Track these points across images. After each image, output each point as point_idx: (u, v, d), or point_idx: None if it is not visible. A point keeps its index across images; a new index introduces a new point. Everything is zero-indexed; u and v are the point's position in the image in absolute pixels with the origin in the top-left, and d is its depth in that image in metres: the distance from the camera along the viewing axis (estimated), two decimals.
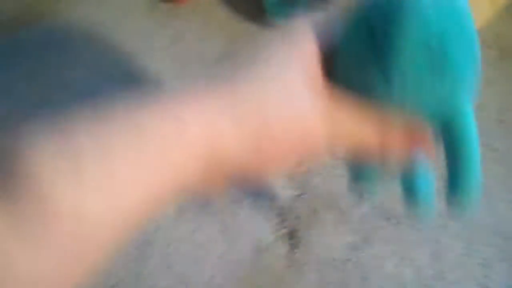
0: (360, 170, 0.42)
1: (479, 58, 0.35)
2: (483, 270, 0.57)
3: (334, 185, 0.63)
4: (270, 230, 0.60)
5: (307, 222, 0.60)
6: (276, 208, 0.62)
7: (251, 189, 0.58)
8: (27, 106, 0.68)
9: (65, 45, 0.76)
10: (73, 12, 0.81)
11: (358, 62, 0.36)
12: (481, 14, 0.74)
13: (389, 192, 0.40)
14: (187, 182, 0.31)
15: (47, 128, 0.30)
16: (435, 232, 0.60)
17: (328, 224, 0.61)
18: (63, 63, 0.73)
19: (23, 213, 0.27)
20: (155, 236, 0.59)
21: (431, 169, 0.37)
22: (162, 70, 0.74)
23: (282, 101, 0.33)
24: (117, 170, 0.29)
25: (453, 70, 0.34)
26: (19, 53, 0.74)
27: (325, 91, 0.36)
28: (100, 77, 0.72)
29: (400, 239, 0.59)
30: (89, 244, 0.29)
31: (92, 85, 0.71)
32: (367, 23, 0.36)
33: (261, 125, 0.32)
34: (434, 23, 0.34)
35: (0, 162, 0.28)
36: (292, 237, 0.59)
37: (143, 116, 0.30)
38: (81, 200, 0.28)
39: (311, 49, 0.36)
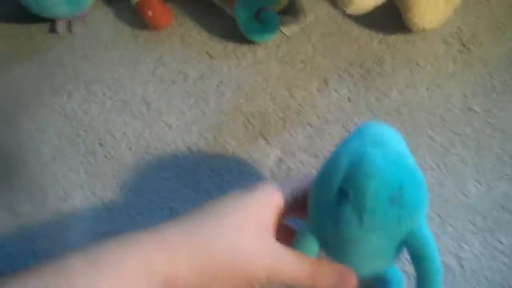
0: None
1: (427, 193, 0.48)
2: (456, 243, 0.62)
3: None
4: None
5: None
6: None
7: None
8: None
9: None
10: (59, 48, 0.86)
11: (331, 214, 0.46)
12: (439, 14, 0.80)
13: None
14: None
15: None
16: None
17: None
18: None
19: None
20: None
21: None
22: (149, 92, 0.79)
23: (231, 247, 0.42)
24: None
25: (412, 211, 0.46)
26: None
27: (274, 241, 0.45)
28: None
29: None
30: None
31: None
32: (335, 184, 0.46)
33: (209, 265, 0.41)
34: (393, 179, 0.45)
35: None
36: None
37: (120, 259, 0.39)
38: None
39: (271, 203, 0.47)
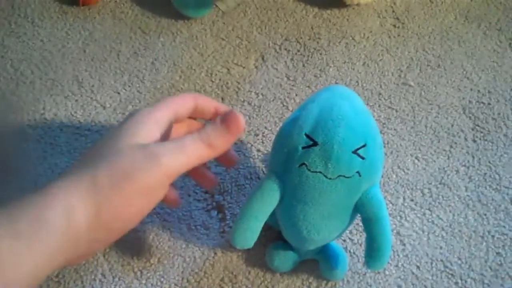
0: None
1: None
2: (395, 220, 0.62)
3: (255, 159, 0.67)
4: (201, 206, 0.63)
5: (233, 195, 0.64)
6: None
7: None
8: None
9: None
10: None
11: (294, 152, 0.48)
12: None
13: None
14: (59, 265, 0.41)
15: None
16: None
17: None
18: None
19: None
20: None
21: None
22: (80, 71, 0.76)
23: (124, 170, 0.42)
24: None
25: (372, 168, 0.49)
26: None
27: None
28: None
29: None
30: None
31: None
32: (304, 130, 0.48)
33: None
34: (359, 133, 0.48)
35: None
36: (220, 211, 0.63)
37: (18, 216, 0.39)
38: None
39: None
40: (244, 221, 0.51)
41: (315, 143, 0.47)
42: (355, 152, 0.47)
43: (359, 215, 0.51)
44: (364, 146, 0.47)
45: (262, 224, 0.51)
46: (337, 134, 0.46)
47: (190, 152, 0.44)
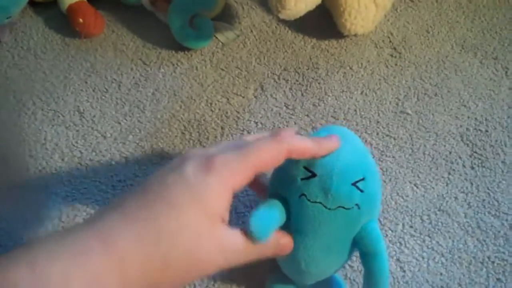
0: None
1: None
2: (395, 246, 0.62)
3: None
4: None
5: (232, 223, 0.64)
6: None
7: None
8: None
9: None
10: None
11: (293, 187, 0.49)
12: (370, 19, 0.81)
13: None
14: None
15: None
16: None
17: None
18: None
19: None
20: None
21: None
22: (81, 102, 0.77)
23: (188, 254, 0.40)
24: None
25: (372, 202, 0.49)
26: None
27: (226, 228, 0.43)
28: None
29: None
30: None
31: None
32: (304, 167, 0.48)
33: (163, 272, 0.40)
34: (358, 167, 0.48)
35: None
36: None
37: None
38: None
39: (228, 189, 0.43)
40: (261, 212, 0.47)
41: (314, 175, 0.47)
42: (354, 184, 0.47)
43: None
44: (362, 179, 0.48)
45: (279, 220, 0.48)
46: (336, 167, 0.47)
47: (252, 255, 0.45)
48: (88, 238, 0.38)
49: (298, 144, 0.45)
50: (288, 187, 0.49)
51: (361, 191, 0.47)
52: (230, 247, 0.43)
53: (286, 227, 0.50)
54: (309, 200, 0.47)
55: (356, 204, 0.47)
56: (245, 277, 0.60)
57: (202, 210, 0.41)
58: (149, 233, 0.39)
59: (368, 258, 0.49)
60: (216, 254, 0.42)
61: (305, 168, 0.48)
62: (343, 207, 0.47)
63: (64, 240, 0.38)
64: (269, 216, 0.47)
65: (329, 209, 0.47)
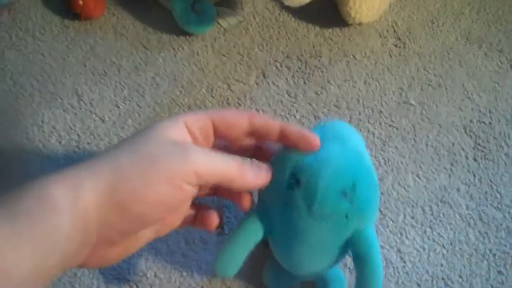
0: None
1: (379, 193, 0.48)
2: (395, 237, 0.62)
3: None
4: None
5: (232, 210, 0.63)
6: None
7: None
8: None
9: None
10: None
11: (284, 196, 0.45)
12: (375, 8, 0.80)
13: None
14: (68, 256, 0.35)
15: None
16: None
17: None
18: None
19: None
20: None
21: None
22: (80, 84, 0.76)
23: (148, 149, 0.39)
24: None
25: (362, 210, 0.46)
26: None
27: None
28: None
29: None
30: None
31: None
32: (288, 169, 0.45)
33: (124, 169, 0.37)
34: (347, 174, 0.45)
35: None
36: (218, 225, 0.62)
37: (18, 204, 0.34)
38: None
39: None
40: (225, 252, 0.47)
41: (299, 183, 0.44)
42: (342, 194, 0.44)
43: None
44: (353, 186, 0.44)
45: (244, 256, 0.48)
46: (322, 174, 0.44)
47: (220, 163, 0.41)
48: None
49: (261, 116, 0.44)
50: (273, 194, 0.46)
51: (351, 201, 0.44)
52: (198, 148, 0.41)
53: (272, 235, 0.48)
54: (293, 209, 0.45)
55: (345, 215, 0.45)
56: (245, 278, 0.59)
57: (163, 134, 0.40)
58: (106, 153, 0.39)
59: (360, 262, 0.47)
60: (181, 151, 0.39)
61: (292, 174, 0.45)
62: (330, 217, 0.44)
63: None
64: (237, 251, 0.47)
65: (315, 219, 0.44)
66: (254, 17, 0.84)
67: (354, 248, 0.47)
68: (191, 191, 0.40)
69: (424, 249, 0.60)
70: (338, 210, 0.44)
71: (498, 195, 0.65)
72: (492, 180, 0.66)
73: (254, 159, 0.45)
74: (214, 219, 0.47)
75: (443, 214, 0.63)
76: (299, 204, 0.44)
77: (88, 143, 0.70)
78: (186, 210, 0.45)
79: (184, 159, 0.39)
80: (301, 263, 0.48)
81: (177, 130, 0.41)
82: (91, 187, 0.36)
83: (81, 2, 0.81)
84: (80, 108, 0.73)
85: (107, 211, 0.36)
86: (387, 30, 0.82)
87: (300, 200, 0.44)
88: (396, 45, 0.80)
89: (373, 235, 0.47)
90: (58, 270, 0.35)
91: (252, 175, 0.43)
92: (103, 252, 0.39)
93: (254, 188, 0.43)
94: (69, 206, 0.34)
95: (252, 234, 0.47)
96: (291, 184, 0.44)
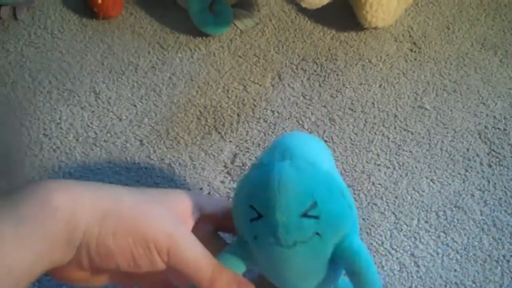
0: None
1: (353, 205, 0.46)
2: (409, 241, 0.62)
3: None
4: None
5: None
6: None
7: None
8: None
9: None
10: (2, 34, 0.83)
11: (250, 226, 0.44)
12: (391, 13, 0.80)
13: None
14: (54, 261, 0.38)
15: None
16: (366, 210, 0.64)
17: None
18: None
19: None
20: None
21: None
22: (97, 83, 0.77)
23: (138, 204, 0.42)
24: None
25: (333, 224, 0.43)
26: None
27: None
28: None
29: None
30: None
31: None
32: (247, 202, 0.44)
33: (112, 211, 0.40)
34: (304, 192, 0.42)
35: None
36: None
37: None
38: None
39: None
40: None
41: (260, 215, 0.43)
42: (304, 215, 0.42)
43: None
44: (314, 204, 0.42)
45: None
46: (277, 202, 0.41)
47: (199, 259, 0.43)
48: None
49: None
50: (242, 228, 0.45)
51: (316, 217, 0.42)
52: (182, 228, 0.43)
53: (258, 265, 0.47)
54: (264, 241, 0.43)
55: (316, 233, 0.42)
56: None
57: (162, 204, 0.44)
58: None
59: (352, 276, 0.45)
60: (166, 220, 0.42)
61: (251, 207, 0.43)
62: (301, 241, 0.42)
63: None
64: None
65: (287, 246, 0.43)
66: (271, 19, 0.84)
67: (342, 263, 0.45)
68: (160, 263, 0.42)
69: (438, 253, 0.61)
70: (306, 232, 0.42)
71: None
72: (507, 187, 0.66)
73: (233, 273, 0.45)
74: None
75: (457, 220, 0.63)
76: (265, 234, 0.43)
77: (105, 141, 0.71)
78: (154, 278, 0.45)
79: (164, 230, 0.41)
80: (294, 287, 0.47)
81: (185, 207, 0.45)
82: (88, 209, 0.39)
83: (99, 1, 0.81)
84: (98, 106, 0.74)
85: (88, 236, 0.39)
86: (403, 35, 0.83)
87: (265, 230, 0.43)
88: (411, 50, 0.81)
89: (358, 244, 0.45)
90: (43, 271, 0.38)
91: None
92: (71, 269, 0.42)
93: None
94: (65, 219, 0.38)
95: (233, 268, 0.46)
96: (252, 218, 0.43)
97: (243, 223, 0.45)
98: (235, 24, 0.83)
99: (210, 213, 0.48)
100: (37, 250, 0.37)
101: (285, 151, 0.45)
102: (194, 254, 0.43)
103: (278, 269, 0.45)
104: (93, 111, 0.74)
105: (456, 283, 0.59)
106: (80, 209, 0.39)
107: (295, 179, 0.42)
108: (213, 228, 0.49)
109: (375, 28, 0.82)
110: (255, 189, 0.44)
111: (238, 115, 0.73)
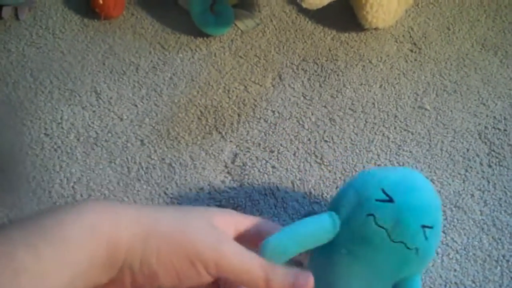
0: None
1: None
2: None
3: (269, 175, 0.67)
4: None
5: (247, 211, 0.64)
6: (218, 199, 0.66)
7: None
8: None
9: None
10: (4, 34, 0.83)
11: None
12: (391, 13, 0.80)
13: None
14: (89, 283, 0.37)
15: None
16: None
17: (266, 212, 0.65)
18: None
19: None
20: None
21: None
22: (98, 83, 0.77)
23: (180, 222, 0.41)
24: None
25: (429, 252, 0.46)
26: None
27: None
28: None
29: None
30: None
31: None
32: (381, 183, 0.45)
33: (154, 232, 0.40)
34: (431, 212, 0.45)
35: None
36: None
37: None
38: None
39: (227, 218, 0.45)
40: (283, 238, 0.44)
41: (391, 200, 0.44)
42: (423, 227, 0.44)
43: None
44: (431, 227, 0.44)
45: (300, 249, 0.44)
46: (416, 202, 0.44)
47: (247, 263, 0.41)
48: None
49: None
50: (355, 204, 0.45)
51: (426, 237, 0.44)
52: (227, 239, 0.42)
53: (332, 243, 0.45)
54: (376, 222, 0.44)
55: (416, 248, 0.44)
56: None
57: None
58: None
59: None
60: (209, 234, 0.41)
61: (383, 191, 0.44)
62: (404, 244, 0.44)
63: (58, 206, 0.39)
64: (292, 241, 0.43)
65: (391, 239, 0.44)
66: (271, 20, 0.85)
67: None
68: (206, 277, 0.41)
69: (437, 253, 0.61)
70: (415, 239, 0.44)
71: None
72: (507, 187, 0.66)
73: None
74: None
75: (457, 219, 0.63)
76: (386, 217, 0.43)
77: (106, 141, 0.71)
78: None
79: (210, 245, 0.40)
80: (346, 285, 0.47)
81: (223, 220, 0.44)
82: (129, 229, 0.38)
83: (101, 1, 0.82)
84: (99, 106, 0.74)
85: (131, 256, 0.38)
86: (403, 36, 0.83)
87: (388, 214, 0.43)
88: (411, 51, 0.81)
89: (420, 285, 0.47)
90: None
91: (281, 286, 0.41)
92: None
93: None
94: (105, 239, 0.37)
95: (323, 230, 0.45)
96: (382, 199, 0.44)
97: (362, 200, 0.45)
98: (236, 25, 0.83)
99: (245, 229, 0.46)
100: (76, 270, 0.36)
101: (415, 178, 0.47)
102: (243, 260, 0.42)
103: (362, 255, 0.45)
104: (94, 111, 0.74)
105: (455, 283, 0.59)
106: (120, 229, 0.38)
107: (432, 198, 0.46)
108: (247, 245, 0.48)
109: (376, 28, 0.82)
110: (395, 179, 0.45)
111: (238, 115, 0.73)
